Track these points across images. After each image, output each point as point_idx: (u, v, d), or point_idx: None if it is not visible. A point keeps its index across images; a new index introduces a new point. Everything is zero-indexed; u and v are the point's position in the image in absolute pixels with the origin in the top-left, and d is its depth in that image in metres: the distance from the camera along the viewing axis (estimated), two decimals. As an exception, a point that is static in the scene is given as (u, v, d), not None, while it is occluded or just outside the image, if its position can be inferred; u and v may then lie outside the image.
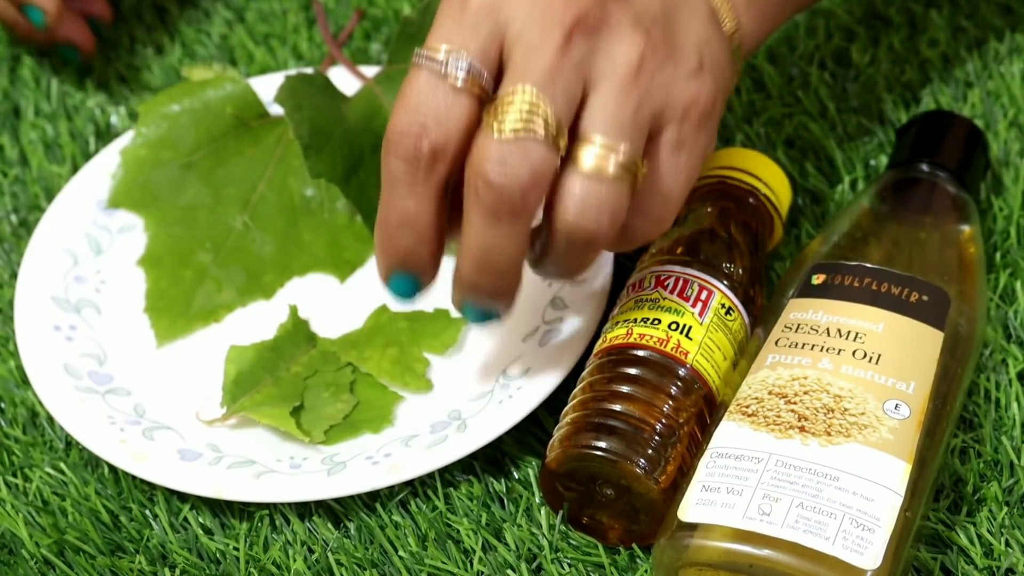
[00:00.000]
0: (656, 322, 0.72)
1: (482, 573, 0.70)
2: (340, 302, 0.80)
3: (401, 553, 0.71)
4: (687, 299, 0.72)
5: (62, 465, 0.75)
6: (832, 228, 0.75)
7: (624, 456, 0.68)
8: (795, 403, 0.68)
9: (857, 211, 0.76)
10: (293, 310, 0.78)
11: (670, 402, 0.70)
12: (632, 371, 0.70)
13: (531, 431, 0.74)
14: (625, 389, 0.70)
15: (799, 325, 0.71)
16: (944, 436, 0.69)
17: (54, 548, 0.72)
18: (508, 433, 0.74)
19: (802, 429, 0.67)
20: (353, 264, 0.81)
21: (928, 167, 0.77)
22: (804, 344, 0.70)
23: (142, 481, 0.74)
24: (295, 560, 0.71)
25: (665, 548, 0.66)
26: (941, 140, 0.77)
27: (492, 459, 0.74)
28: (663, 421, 0.69)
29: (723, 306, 0.73)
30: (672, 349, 0.71)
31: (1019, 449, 0.72)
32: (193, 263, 0.80)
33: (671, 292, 0.73)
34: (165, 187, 0.82)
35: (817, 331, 0.70)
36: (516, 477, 0.73)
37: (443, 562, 0.71)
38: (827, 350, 0.69)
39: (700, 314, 0.72)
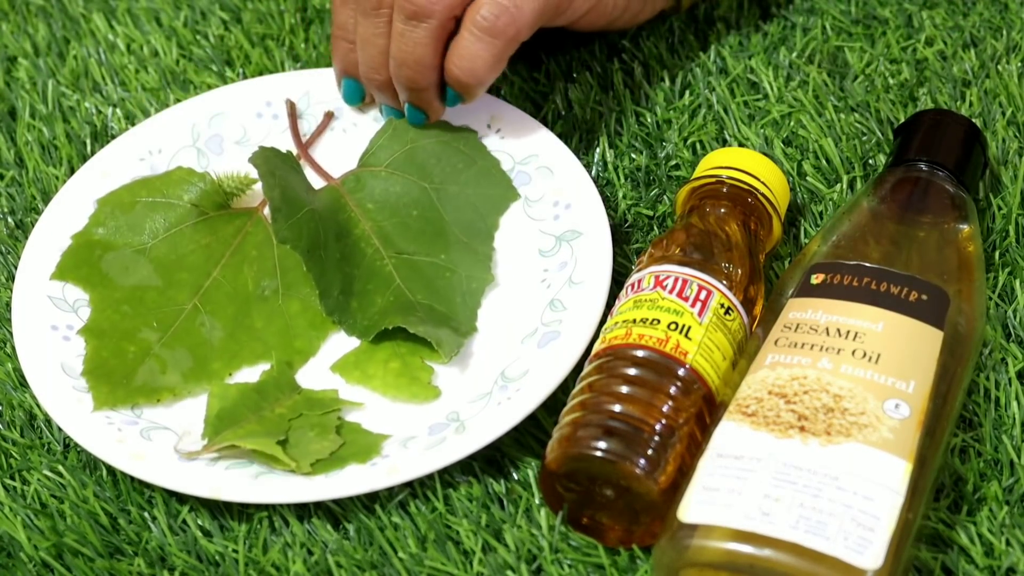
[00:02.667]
0: (655, 322, 0.72)
1: (482, 574, 0.70)
2: (322, 360, 0.79)
3: (401, 554, 0.71)
4: (686, 299, 0.72)
5: (60, 468, 0.75)
6: (831, 228, 0.75)
7: (624, 457, 0.68)
8: (795, 403, 0.68)
9: (856, 210, 0.76)
10: (279, 361, 0.78)
11: (670, 402, 0.70)
12: (631, 371, 0.70)
13: (531, 432, 0.74)
14: (624, 389, 0.70)
15: (798, 325, 0.71)
16: (944, 435, 0.69)
17: (52, 551, 0.72)
18: (507, 434, 0.74)
19: (802, 429, 0.67)
20: (305, 354, 0.78)
21: (927, 166, 0.76)
22: (803, 344, 0.70)
23: (140, 483, 0.74)
24: (294, 562, 0.71)
25: (665, 549, 0.66)
26: (939, 139, 0.77)
27: (491, 460, 0.74)
28: (663, 421, 0.69)
29: (722, 306, 0.73)
30: (671, 349, 0.71)
31: (1019, 448, 0.72)
32: (137, 340, 0.78)
33: (670, 292, 0.73)
34: (115, 268, 0.80)
35: (816, 331, 0.70)
36: (516, 478, 0.73)
37: (443, 563, 0.70)
38: (826, 350, 0.69)
39: (699, 314, 0.72)
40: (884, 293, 0.71)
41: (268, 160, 0.80)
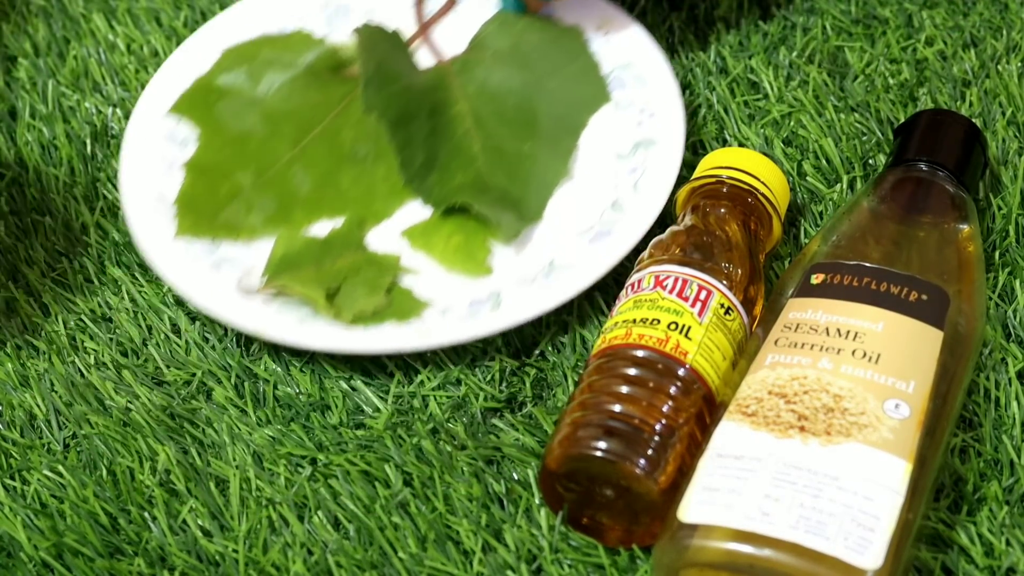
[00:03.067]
0: (655, 322, 0.72)
1: (482, 574, 0.70)
2: (395, 225, 0.82)
3: (401, 554, 0.71)
4: (686, 299, 0.72)
5: (60, 467, 0.75)
6: (831, 227, 0.75)
7: (624, 457, 0.68)
8: (795, 403, 0.68)
9: (856, 210, 0.76)
10: (351, 218, 0.81)
11: (670, 402, 0.70)
12: (631, 371, 0.70)
13: (531, 431, 0.74)
14: (624, 389, 0.70)
15: (798, 325, 0.71)
16: (944, 435, 0.69)
17: (52, 551, 0.72)
18: (508, 433, 0.74)
19: (802, 429, 0.67)
20: (380, 215, 0.82)
21: (927, 166, 0.77)
22: (803, 344, 0.70)
23: (141, 483, 0.74)
24: (294, 562, 0.71)
25: (665, 549, 0.66)
26: (940, 139, 0.77)
27: (491, 460, 0.74)
28: (663, 421, 0.69)
29: (722, 306, 0.73)
30: (671, 349, 0.71)
31: (1019, 448, 0.72)
32: (232, 180, 0.83)
33: (670, 292, 0.73)
34: (227, 113, 0.85)
35: (816, 331, 0.70)
36: (515, 478, 0.73)
37: (443, 563, 0.70)
38: (826, 350, 0.69)
39: (699, 314, 0.72)
40: (884, 293, 0.71)
41: (371, 36, 0.85)
